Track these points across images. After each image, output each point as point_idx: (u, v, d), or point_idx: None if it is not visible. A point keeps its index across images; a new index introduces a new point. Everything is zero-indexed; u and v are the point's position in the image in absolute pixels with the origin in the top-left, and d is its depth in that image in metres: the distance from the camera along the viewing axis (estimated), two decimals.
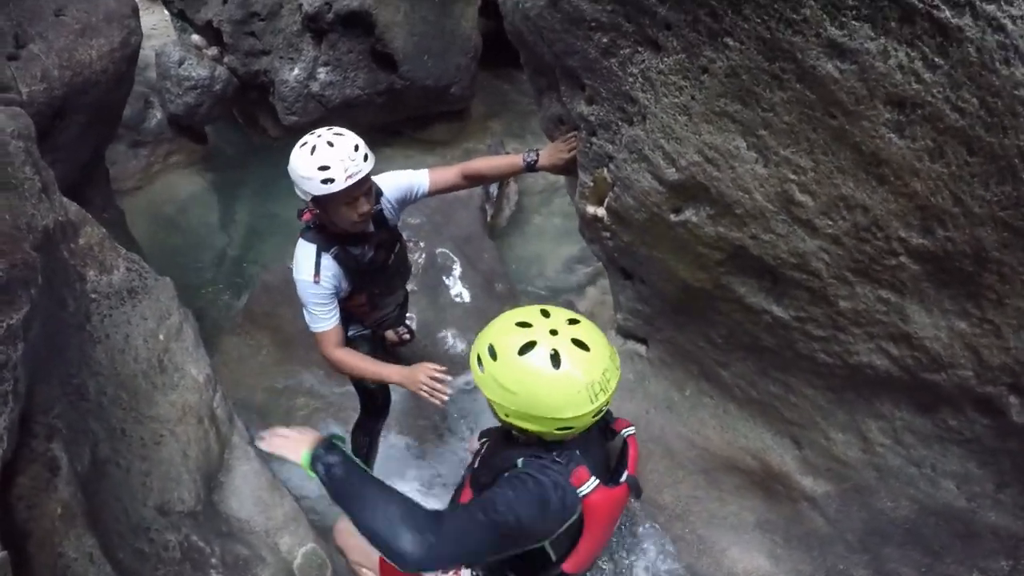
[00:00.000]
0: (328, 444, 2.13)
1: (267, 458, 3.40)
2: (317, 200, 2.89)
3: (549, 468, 2.09)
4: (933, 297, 2.07)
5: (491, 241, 5.92)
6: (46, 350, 2.35)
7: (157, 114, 7.15)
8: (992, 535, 2.50)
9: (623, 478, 2.24)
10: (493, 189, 6.33)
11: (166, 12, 7.39)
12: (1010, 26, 1.51)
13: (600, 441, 2.35)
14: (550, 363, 1.97)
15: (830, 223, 2.07)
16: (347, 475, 2.08)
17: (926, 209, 1.88)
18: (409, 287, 4.87)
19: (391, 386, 3.70)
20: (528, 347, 2.01)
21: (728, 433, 3.10)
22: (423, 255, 5.46)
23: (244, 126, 7.71)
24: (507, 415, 2.08)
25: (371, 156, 2.95)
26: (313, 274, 3.00)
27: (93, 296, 2.92)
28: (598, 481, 2.11)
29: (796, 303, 2.38)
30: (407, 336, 4.72)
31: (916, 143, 1.78)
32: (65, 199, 3.00)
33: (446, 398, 2.68)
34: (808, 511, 2.98)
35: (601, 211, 2.82)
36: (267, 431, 2.25)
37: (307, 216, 3.14)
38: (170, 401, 3.00)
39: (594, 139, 2.66)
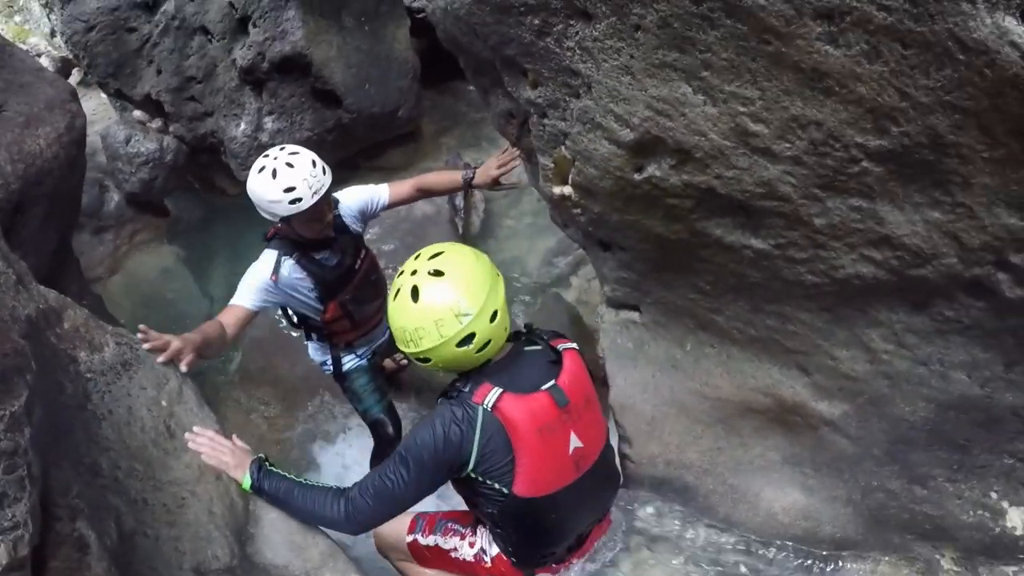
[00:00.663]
0: (259, 465, 2.67)
1: None
2: (285, 218, 3.07)
3: (452, 400, 2.38)
4: (902, 194, 2.11)
5: None
6: (52, 435, 2.35)
7: (115, 196, 7.15)
8: (1013, 415, 2.53)
9: (543, 386, 2.39)
10: (459, 201, 6.41)
11: (103, 95, 7.43)
12: None
13: (539, 362, 2.52)
14: (411, 300, 2.29)
15: (788, 145, 2.11)
16: (279, 487, 2.62)
17: (876, 110, 1.92)
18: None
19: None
20: (396, 295, 2.36)
21: (736, 377, 3.13)
22: None
23: (202, 190, 7.72)
24: (426, 362, 2.39)
25: (327, 168, 3.18)
26: (272, 272, 3.21)
27: (88, 376, 2.91)
28: (500, 389, 2.31)
29: (773, 231, 2.42)
30: (405, 361, 4.78)
31: (852, 49, 1.82)
32: (43, 288, 3.01)
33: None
34: (830, 435, 3.00)
35: (567, 189, 2.85)
36: (198, 429, 2.74)
37: (271, 232, 3.33)
38: (184, 463, 2.98)
39: (546, 120, 2.69)
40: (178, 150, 6.88)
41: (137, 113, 7.00)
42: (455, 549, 2.88)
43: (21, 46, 8.82)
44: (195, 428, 2.78)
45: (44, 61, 8.85)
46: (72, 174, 4.77)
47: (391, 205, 3.70)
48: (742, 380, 3.12)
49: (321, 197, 3.10)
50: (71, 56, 7.51)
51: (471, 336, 2.30)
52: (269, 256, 3.28)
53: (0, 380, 2.02)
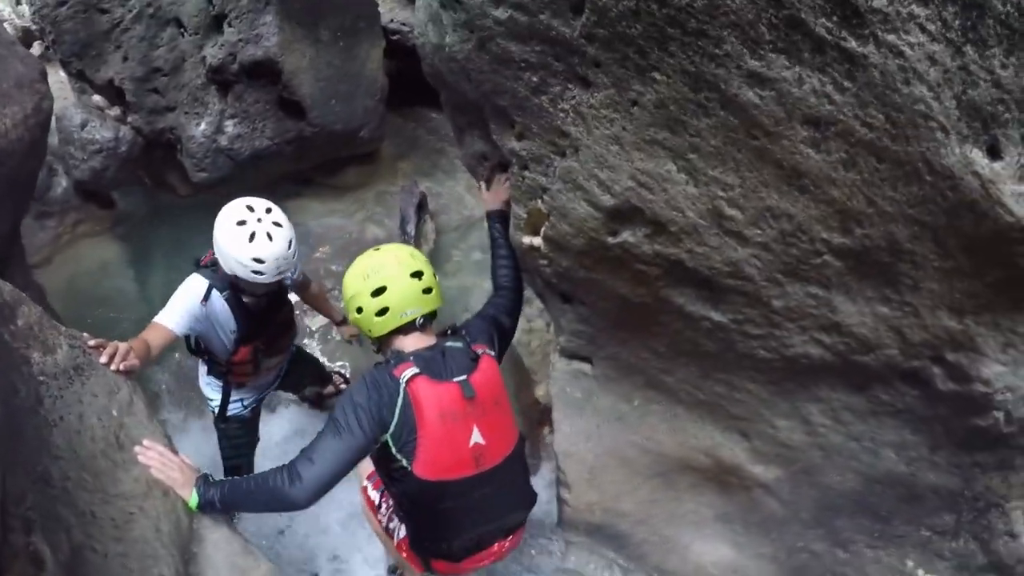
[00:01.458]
0: (204, 480, 2.68)
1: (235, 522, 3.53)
2: (237, 277, 3.09)
3: (377, 369, 2.64)
4: (856, 288, 2.28)
5: None
6: (8, 440, 2.31)
7: (63, 182, 6.85)
8: (933, 494, 2.74)
9: (455, 378, 2.62)
10: (411, 228, 6.37)
11: (63, 73, 7.08)
12: (908, 51, 1.74)
13: (457, 358, 2.72)
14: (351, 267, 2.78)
15: (759, 232, 2.25)
16: (225, 493, 2.63)
17: (844, 212, 2.09)
18: (339, 336, 5.10)
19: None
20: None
21: (679, 435, 3.25)
22: None
23: (151, 186, 7.43)
24: (359, 313, 2.75)
25: (297, 252, 3.21)
26: (201, 299, 3.16)
27: (41, 379, 2.84)
28: (417, 370, 2.56)
29: (733, 307, 2.55)
30: (344, 385, 4.85)
31: (831, 156, 1.99)
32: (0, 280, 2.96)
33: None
34: (763, 497, 3.16)
35: (537, 240, 2.92)
36: (148, 443, 2.73)
37: (207, 258, 3.27)
38: (133, 477, 2.93)
39: (527, 173, 2.76)
40: (133, 142, 6.65)
41: (96, 98, 6.74)
42: (384, 514, 3.08)
43: None
44: (145, 441, 2.76)
45: (6, 29, 8.54)
46: (33, 157, 4.59)
47: (299, 287, 3.97)
48: (684, 438, 3.25)
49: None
50: (35, 28, 7.23)
51: (382, 289, 2.68)
52: (200, 282, 3.22)
53: None
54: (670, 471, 3.36)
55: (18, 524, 2.15)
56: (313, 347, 5.38)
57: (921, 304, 2.24)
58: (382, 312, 2.69)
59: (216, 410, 3.73)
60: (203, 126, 6.45)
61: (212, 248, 3.21)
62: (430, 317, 2.82)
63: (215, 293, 3.22)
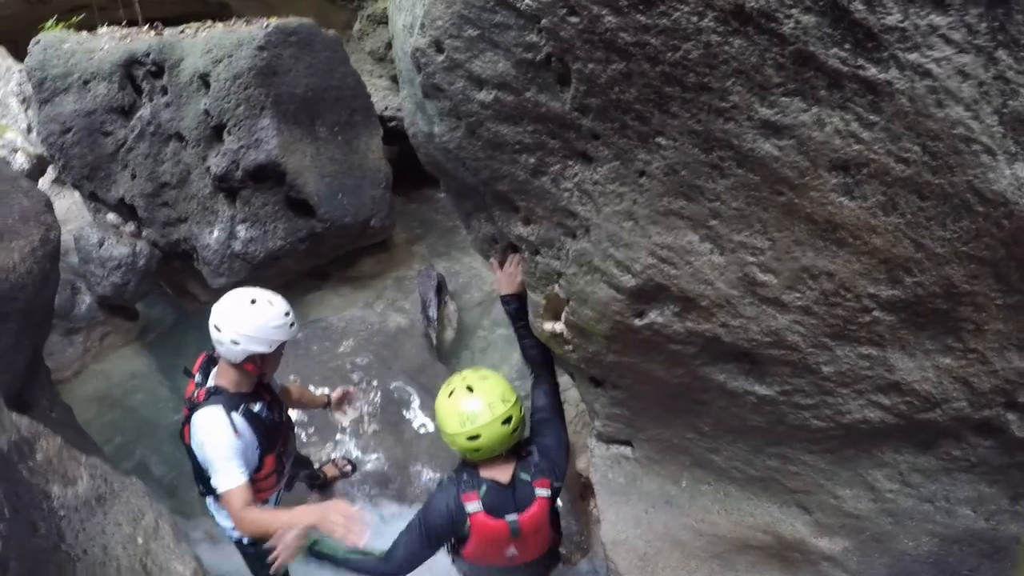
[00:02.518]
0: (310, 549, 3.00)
1: None
2: (263, 356, 3.18)
3: (450, 485, 3.06)
4: (913, 342, 2.09)
5: (443, 365, 5.92)
6: None
7: (86, 298, 6.99)
8: (1017, 545, 2.52)
9: (506, 517, 3.00)
10: (432, 312, 6.35)
11: (77, 194, 7.32)
12: (936, 69, 1.56)
13: (521, 493, 3.06)
14: (446, 397, 3.01)
15: (798, 295, 2.07)
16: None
17: (890, 261, 1.90)
18: (372, 428, 5.27)
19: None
20: (444, 390, 3.07)
21: (734, 515, 3.04)
22: (378, 393, 5.46)
23: (174, 295, 7.57)
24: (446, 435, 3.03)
25: None
26: (233, 430, 3.10)
27: (62, 513, 2.80)
28: (481, 507, 2.97)
29: (779, 378, 2.37)
30: (348, 468, 4.98)
31: (868, 201, 1.81)
32: (15, 415, 2.91)
33: (363, 536, 2.80)
34: (830, 570, 2.92)
35: (559, 326, 2.78)
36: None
37: (202, 394, 3.23)
38: None
39: (539, 258, 2.63)
40: (151, 255, 6.77)
41: (111, 216, 6.91)
42: None
43: None
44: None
45: (20, 157, 8.77)
46: (45, 288, 4.62)
47: (282, 393, 3.90)
48: (740, 517, 3.02)
49: None
50: (47, 155, 7.45)
51: (477, 436, 2.92)
52: (217, 415, 3.13)
53: None
54: (728, 552, 3.13)
55: None
56: (347, 443, 5.28)
57: (987, 348, 2.03)
58: (475, 451, 2.98)
59: (244, 539, 3.56)
60: (216, 233, 6.48)
61: (207, 353, 3.42)
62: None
63: (236, 417, 3.16)
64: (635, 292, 2.35)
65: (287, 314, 3.18)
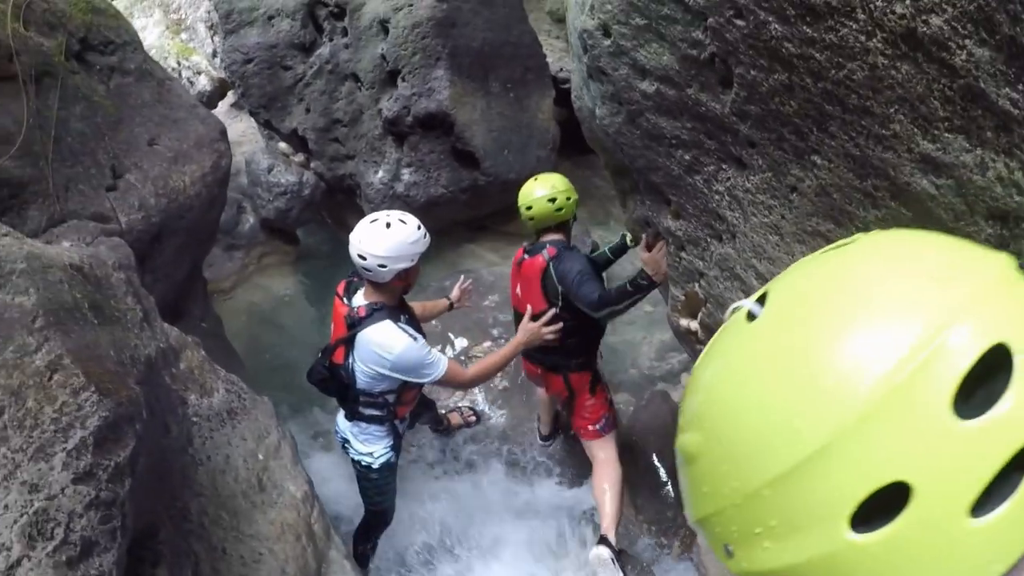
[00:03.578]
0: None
1: (362, 572, 3.65)
2: (407, 270, 3.30)
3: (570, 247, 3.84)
4: None
5: None
6: (150, 479, 2.40)
7: (250, 218, 7.39)
8: None
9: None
10: None
11: (254, 120, 7.70)
12: None
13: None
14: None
15: None
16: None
17: None
18: (503, 384, 5.44)
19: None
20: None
21: None
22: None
23: (332, 226, 7.88)
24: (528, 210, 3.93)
25: None
26: (410, 336, 3.28)
27: (195, 420, 2.99)
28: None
29: None
30: (472, 418, 5.13)
31: (1023, 258, 1.69)
32: (166, 325, 3.12)
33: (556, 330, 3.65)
34: None
35: (695, 325, 2.77)
36: None
37: (362, 310, 3.35)
38: (269, 519, 3.02)
39: (683, 254, 2.62)
40: (316, 186, 7.07)
41: (282, 145, 7.25)
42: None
43: (183, 62, 9.31)
44: None
45: (203, 79, 9.26)
46: (212, 210, 4.88)
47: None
48: None
49: None
50: (228, 80, 7.86)
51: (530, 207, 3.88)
52: (391, 327, 3.30)
53: (111, 429, 2.08)
54: None
55: (148, 556, 2.24)
56: (476, 395, 5.41)
57: None
58: (530, 219, 3.92)
59: (374, 463, 3.75)
60: (380, 174, 6.70)
61: (346, 280, 3.57)
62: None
63: (403, 324, 3.37)
64: None
65: (419, 227, 3.32)
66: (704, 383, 0.79)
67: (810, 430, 0.64)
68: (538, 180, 4.04)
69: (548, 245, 3.92)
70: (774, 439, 0.67)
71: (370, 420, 3.63)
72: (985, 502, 0.60)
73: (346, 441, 3.72)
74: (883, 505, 0.61)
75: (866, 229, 1.89)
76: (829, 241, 2.00)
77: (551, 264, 3.84)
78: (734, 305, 0.80)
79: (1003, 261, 0.70)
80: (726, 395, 0.75)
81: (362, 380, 3.38)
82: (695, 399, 0.80)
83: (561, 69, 8.00)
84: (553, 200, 3.87)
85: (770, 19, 1.76)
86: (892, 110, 1.65)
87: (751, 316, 0.76)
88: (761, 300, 0.77)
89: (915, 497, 0.61)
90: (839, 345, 0.66)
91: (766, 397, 0.69)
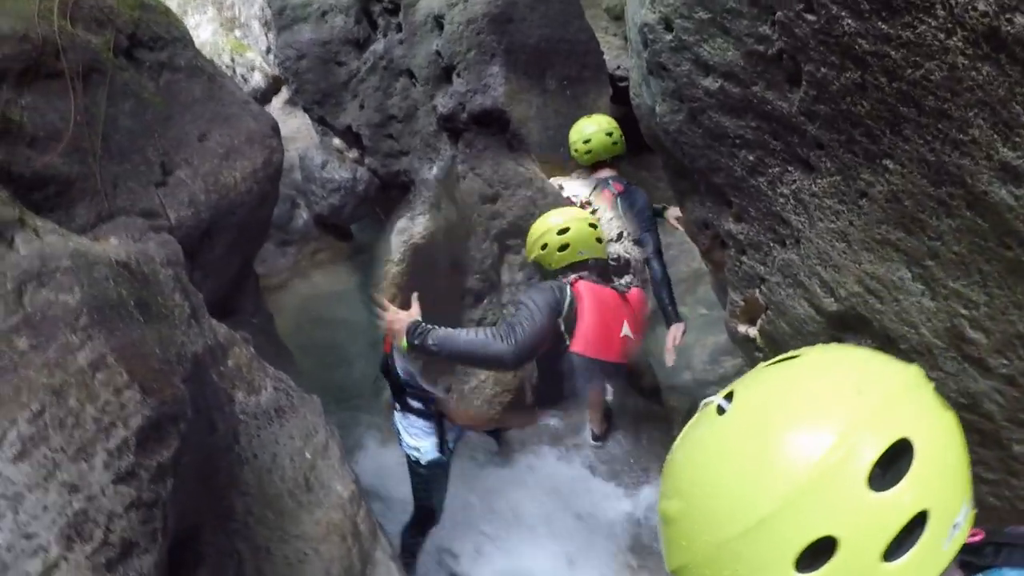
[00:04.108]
0: (415, 326, 3.05)
1: (410, 568, 3.72)
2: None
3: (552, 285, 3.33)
4: None
5: None
6: (195, 477, 2.39)
7: (303, 214, 7.45)
8: None
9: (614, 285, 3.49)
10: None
11: (307, 116, 7.74)
12: None
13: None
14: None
15: (1005, 362, 1.84)
16: (440, 337, 3.01)
17: None
18: None
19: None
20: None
21: None
22: None
23: (386, 221, 7.87)
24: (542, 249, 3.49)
25: None
26: None
27: (242, 417, 2.98)
28: (578, 276, 3.31)
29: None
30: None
31: None
32: (214, 321, 3.12)
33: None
34: None
35: (753, 331, 2.68)
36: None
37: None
38: (315, 519, 3.01)
39: (744, 258, 2.54)
40: (370, 182, 7.10)
41: (336, 141, 7.29)
42: None
43: (237, 59, 9.39)
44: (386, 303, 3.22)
45: (257, 76, 9.32)
46: (263, 206, 4.87)
47: None
48: None
49: None
50: (282, 76, 7.90)
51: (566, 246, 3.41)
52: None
53: (154, 428, 2.06)
54: None
55: (189, 557, 2.23)
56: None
57: None
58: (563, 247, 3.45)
59: (421, 458, 3.73)
60: (435, 170, 6.68)
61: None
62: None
63: None
64: (836, 317, 2.20)
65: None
66: (681, 461, 1.05)
67: (765, 498, 0.90)
68: (592, 118, 4.41)
69: (611, 181, 4.24)
70: (738, 504, 0.93)
71: (417, 414, 3.65)
72: (895, 550, 0.87)
73: (399, 433, 3.74)
74: (818, 553, 0.87)
75: (940, 239, 1.80)
76: (899, 251, 1.91)
77: (618, 199, 4.14)
78: (705, 400, 1.07)
79: (911, 372, 0.98)
80: (700, 471, 1.00)
81: (402, 370, 3.36)
82: (674, 473, 1.05)
83: (618, 67, 7.93)
84: (610, 134, 4.24)
85: (843, 14, 1.67)
86: (971, 114, 1.56)
87: (720, 410, 1.02)
88: (728, 397, 1.03)
89: (840, 547, 0.87)
90: (787, 436, 0.93)
91: (731, 473, 0.95)
